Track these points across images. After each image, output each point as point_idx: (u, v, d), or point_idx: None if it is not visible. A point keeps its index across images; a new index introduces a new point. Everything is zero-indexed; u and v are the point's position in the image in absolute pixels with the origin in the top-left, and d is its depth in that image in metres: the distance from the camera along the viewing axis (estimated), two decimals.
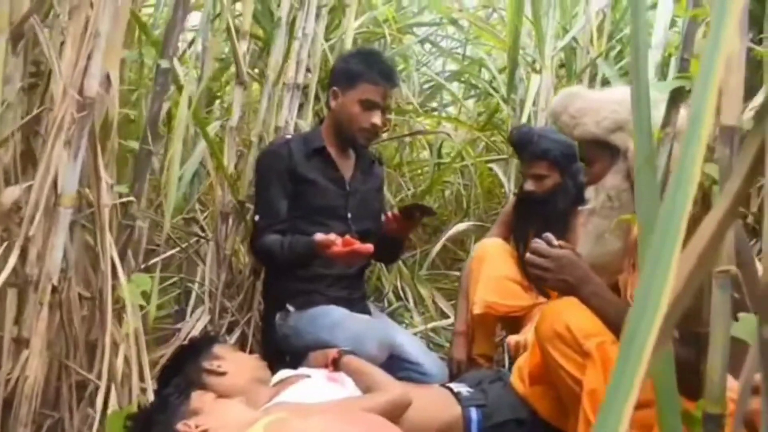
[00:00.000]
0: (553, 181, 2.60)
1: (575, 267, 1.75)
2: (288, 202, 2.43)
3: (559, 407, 1.93)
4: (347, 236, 2.17)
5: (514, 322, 2.67)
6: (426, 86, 4.90)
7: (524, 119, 3.60)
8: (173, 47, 1.76)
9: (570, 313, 1.73)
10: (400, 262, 3.83)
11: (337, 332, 2.21)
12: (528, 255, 1.78)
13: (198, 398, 1.68)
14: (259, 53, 3.35)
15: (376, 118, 2.40)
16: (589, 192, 1.80)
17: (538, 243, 1.78)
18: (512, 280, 2.63)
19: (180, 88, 2.33)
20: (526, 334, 2.40)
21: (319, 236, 2.18)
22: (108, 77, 1.67)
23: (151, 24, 2.42)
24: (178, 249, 2.67)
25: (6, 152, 1.55)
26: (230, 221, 2.61)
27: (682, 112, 1.46)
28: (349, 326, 2.23)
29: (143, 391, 1.92)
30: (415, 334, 3.27)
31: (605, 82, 3.76)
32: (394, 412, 1.75)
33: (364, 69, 2.43)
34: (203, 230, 2.92)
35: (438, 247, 3.58)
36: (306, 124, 3.11)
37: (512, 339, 2.40)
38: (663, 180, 1.36)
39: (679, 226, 0.65)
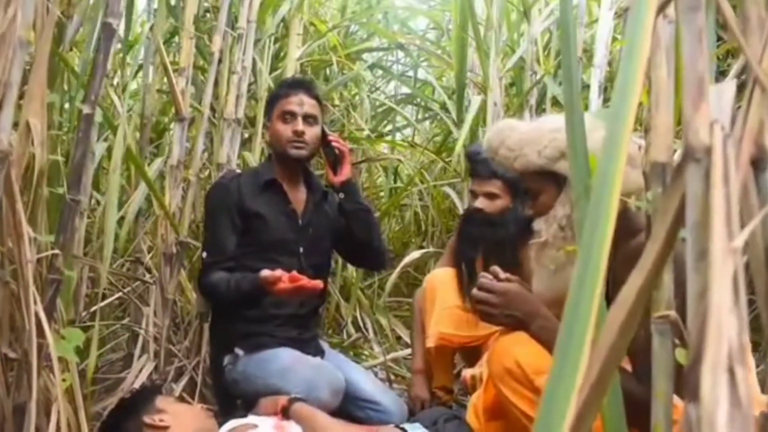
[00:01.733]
0: (504, 203, 2.51)
1: (523, 301, 1.70)
2: (237, 238, 2.36)
3: None
4: (294, 272, 2.11)
5: (472, 352, 2.60)
6: (380, 110, 4.87)
7: (472, 139, 3.57)
8: (96, 92, 1.68)
9: (519, 349, 1.68)
10: (359, 292, 3.77)
11: (288, 377, 2.13)
12: (474, 291, 1.72)
13: None
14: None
15: (297, 126, 2.39)
16: (539, 224, 1.75)
17: (484, 277, 1.73)
18: (466, 310, 2.56)
19: (114, 130, 2.24)
20: (482, 367, 2.34)
21: (264, 272, 2.11)
22: (27, 125, 1.59)
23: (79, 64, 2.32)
24: (120, 294, 2.56)
25: None
26: (174, 262, 2.52)
27: None
28: (300, 371, 2.15)
29: None
30: (375, 366, 3.20)
31: (555, 102, 3.75)
32: None
33: (275, 91, 2.57)
34: (149, 272, 2.81)
35: (394, 276, 3.50)
36: (254, 159, 3.05)
37: (467, 374, 2.33)
38: None
39: (599, 259, 0.59)
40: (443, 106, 4.43)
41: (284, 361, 2.21)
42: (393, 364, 3.29)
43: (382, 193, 4.62)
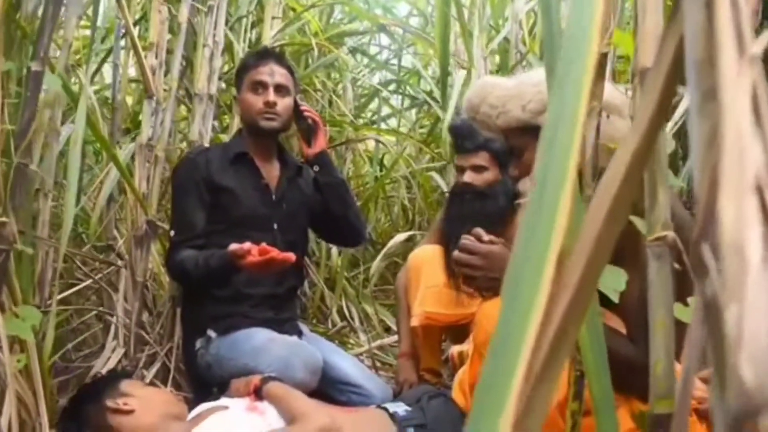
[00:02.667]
0: (492, 176, 2.41)
1: (507, 262, 1.59)
2: (206, 214, 2.24)
3: None
4: (263, 244, 1.97)
5: (459, 333, 2.49)
6: (363, 99, 4.76)
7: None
8: (44, 48, 1.56)
9: None
10: (345, 282, 3.66)
11: (261, 357, 2.00)
12: (456, 253, 1.61)
13: None
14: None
15: (268, 96, 2.29)
16: (524, 184, 1.64)
17: (466, 239, 1.62)
18: (453, 288, 2.45)
19: (76, 102, 2.12)
20: (470, 344, 2.23)
21: (233, 246, 1.99)
22: None
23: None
24: (91, 280, 2.43)
25: None
26: (143, 243, 2.39)
27: (607, 85, 1.33)
28: (274, 350, 2.03)
29: None
30: (361, 354, 3.09)
31: None
32: None
33: (244, 62, 2.45)
34: (121, 258, 2.69)
35: (378, 260, 3.39)
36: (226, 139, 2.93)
37: (455, 350, 2.22)
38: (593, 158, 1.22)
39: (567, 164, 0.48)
40: (430, 94, 4.33)
41: (257, 341, 2.08)
42: (379, 351, 3.18)
43: (368, 183, 4.50)
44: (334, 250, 3.84)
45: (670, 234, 0.84)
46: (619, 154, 0.51)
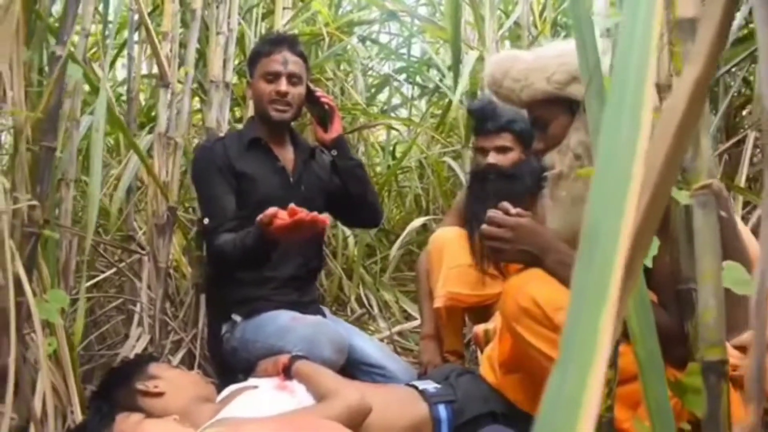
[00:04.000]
0: (516, 156, 2.41)
1: (536, 235, 1.60)
2: (234, 197, 2.24)
3: (535, 395, 1.75)
4: (291, 205, 1.89)
5: (482, 313, 2.48)
6: (373, 87, 4.76)
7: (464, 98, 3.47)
8: (68, 32, 1.57)
9: (535, 286, 1.56)
10: (362, 270, 3.67)
11: (287, 336, 2.00)
12: (483, 226, 1.62)
13: (122, 421, 1.48)
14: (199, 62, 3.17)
15: (281, 86, 2.29)
16: (551, 157, 1.64)
17: (494, 213, 1.62)
18: (475, 268, 2.45)
19: (97, 91, 2.13)
20: (496, 322, 2.23)
21: (259, 216, 1.94)
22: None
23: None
24: (114, 270, 2.44)
25: None
26: (165, 231, 2.40)
27: None
28: (299, 329, 2.02)
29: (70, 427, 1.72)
30: (382, 339, 3.09)
31: None
32: (353, 420, 1.56)
33: (257, 48, 2.43)
34: (142, 248, 2.70)
35: (396, 248, 3.39)
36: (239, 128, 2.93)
37: (480, 328, 2.21)
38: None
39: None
40: (440, 81, 4.32)
41: (281, 321, 2.08)
42: (399, 337, 3.19)
43: (380, 173, 4.50)
44: (351, 239, 3.85)
45: (715, 182, 0.83)
46: (683, 78, 0.51)
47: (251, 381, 1.82)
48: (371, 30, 4.64)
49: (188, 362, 2.35)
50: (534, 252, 1.58)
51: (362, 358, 2.18)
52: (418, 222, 3.48)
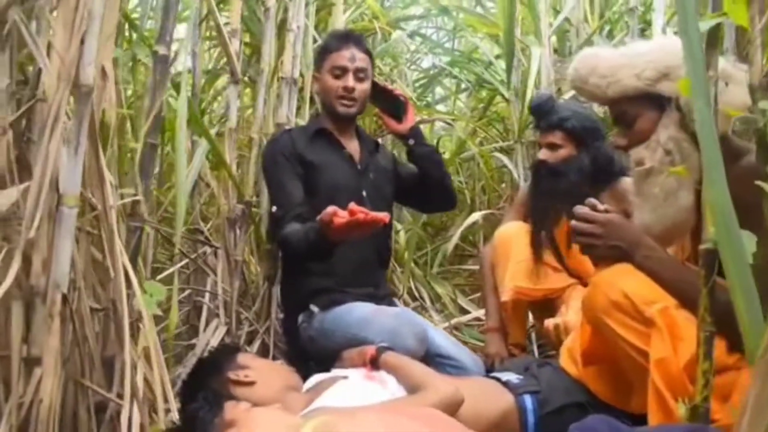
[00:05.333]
0: (567, 153, 2.47)
1: (626, 230, 1.63)
2: (301, 185, 2.31)
3: (618, 386, 1.79)
4: (352, 204, 1.91)
5: (544, 308, 2.52)
6: (417, 84, 4.79)
7: (522, 100, 3.49)
8: (170, 33, 1.62)
9: (625, 281, 1.59)
10: (411, 263, 3.70)
11: (369, 327, 2.04)
12: (573, 222, 1.65)
13: (231, 409, 1.53)
14: (247, 57, 3.22)
15: (348, 81, 2.37)
16: (639, 152, 1.66)
17: (582, 209, 1.66)
18: (541, 262, 2.49)
19: (177, 87, 2.18)
20: (564, 317, 2.26)
21: (321, 215, 1.96)
22: (103, 70, 1.52)
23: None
24: (186, 261, 2.50)
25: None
26: (238, 227, 2.46)
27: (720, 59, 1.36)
28: (381, 320, 2.06)
29: (166, 411, 1.77)
30: None
31: None
32: (447, 412, 1.60)
33: (325, 43, 2.52)
34: (208, 241, 2.76)
35: (454, 241, 3.43)
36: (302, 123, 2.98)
37: (550, 323, 2.25)
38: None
39: None
40: (488, 69, 4.33)
41: (363, 312, 2.13)
42: (454, 330, 3.22)
43: None
44: (402, 232, 3.89)
45: None
46: None
47: (337, 371, 1.86)
48: (417, 25, 4.67)
49: (262, 353, 2.40)
50: (624, 247, 1.61)
51: (436, 350, 2.22)
52: (476, 216, 3.51)
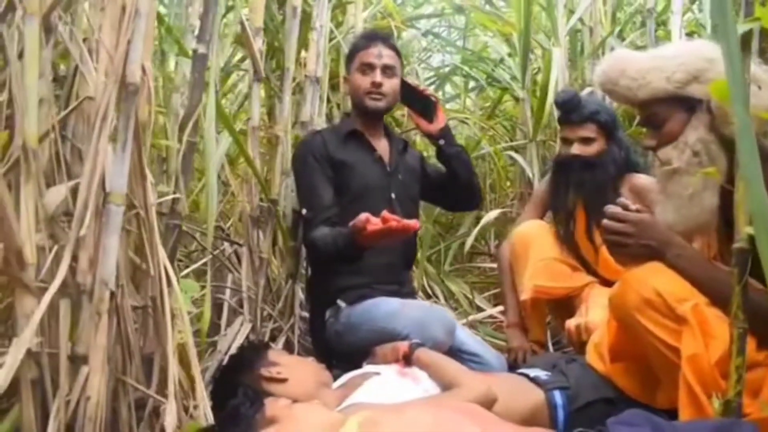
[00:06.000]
0: (599, 146, 2.50)
1: (657, 230, 1.66)
2: (332, 188, 2.35)
3: (645, 382, 1.81)
4: (384, 212, 1.96)
5: (563, 305, 2.55)
6: (427, 82, 4.80)
7: (542, 100, 3.51)
8: (209, 31, 1.63)
9: (657, 278, 1.62)
10: (425, 261, 3.72)
11: (396, 320, 2.07)
12: (605, 222, 1.68)
13: (272, 405, 1.54)
14: (267, 55, 3.23)
15: (376, 77, 2.41)
16: (666, 152, 1.69)
17: (614, 208, 1.68)
18: (560, 261, 2.52)
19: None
20: (585, 317, 2.29)
21: (353, 221, 2.02)
22: (143, 69, 1.54)
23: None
24: (210, 257, 2.52)
25: (43, 150, 1.41)
26: (265, 222, 2.49)
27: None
28: (409, 312, 2.09)
29: (195, 407, 1.79)
30: None
31: None
32: None
33: (353, 42, 2.60)
34: (229, 238, 2.78)
35: (471, 238, 3.46)
36: (321, 122, 3.00)
37: (571, 323, 2.27)
38: None
39: None
40: (497, 66, 4.35)
41: (390, 305, 2.16)
42: (469, 328, 3.24)
43: (432, 161, 4.54)
44: None
45: None
46: None
47: (370, 367, 1.88)
48: (429, 23, 4.69)
49: (287, 350, 2.42)
50: (655, 246, 1.63)
51: (460, 346, 2.24)
52: (493, 213, 3.53)
